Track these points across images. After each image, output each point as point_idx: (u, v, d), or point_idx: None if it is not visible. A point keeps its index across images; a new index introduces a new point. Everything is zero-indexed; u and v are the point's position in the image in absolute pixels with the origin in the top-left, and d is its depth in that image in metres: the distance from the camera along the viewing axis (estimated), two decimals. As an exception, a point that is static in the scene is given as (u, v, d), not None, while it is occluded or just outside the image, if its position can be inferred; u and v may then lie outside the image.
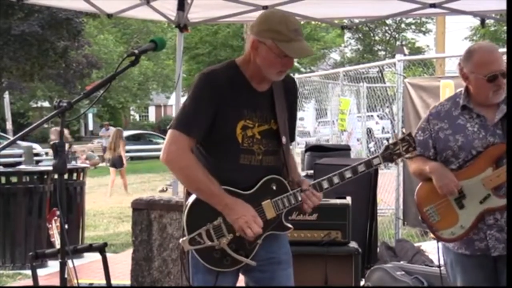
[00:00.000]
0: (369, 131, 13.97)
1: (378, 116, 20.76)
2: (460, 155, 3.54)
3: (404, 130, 3.35)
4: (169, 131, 3.08)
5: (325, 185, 3.16)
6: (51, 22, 24.45)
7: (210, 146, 3.09)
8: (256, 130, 3.10)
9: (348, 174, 3.17)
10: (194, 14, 6.75)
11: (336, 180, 3.16)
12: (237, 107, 3.07)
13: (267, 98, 3.15)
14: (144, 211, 5.27)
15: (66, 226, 2.81)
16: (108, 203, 14.61)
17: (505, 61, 3.50)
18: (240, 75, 3.11)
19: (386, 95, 12.19)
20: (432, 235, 3.76)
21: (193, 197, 3.07)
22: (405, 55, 8.99)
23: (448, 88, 6.99)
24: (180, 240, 3.06)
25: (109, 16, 6.92)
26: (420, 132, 3.72)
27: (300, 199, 3.11)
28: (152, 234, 5.22)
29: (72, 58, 28.10)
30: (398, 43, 32.91)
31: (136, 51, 2.92)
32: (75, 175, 8.35)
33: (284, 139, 3.15)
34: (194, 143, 3.08)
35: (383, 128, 21.75)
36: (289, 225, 3.16)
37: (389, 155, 3.22)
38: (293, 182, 3.18)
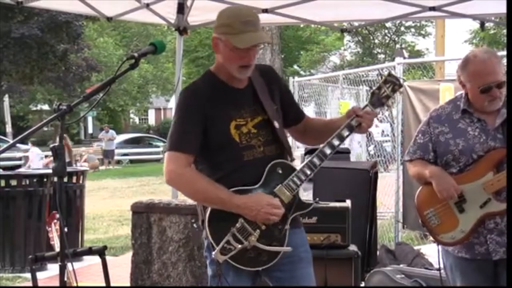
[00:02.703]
0: (369, 134, 13.93)
1: (377, 119, 20.78)
2: (460, 159, 3.53)
3: (385, 71, 3.31)
4: (166, 154, 3.11)
5: (328, 150, 3.16)
6: (50, 25, 24.48)
7: (210, 154, 3.11)
8: (250, 125, 3.13)
9: (345, 132, 3.17)
10: (194, 17, 6.75)
11: (336, 142, 3.16)
12: (224, 110, 3.10)
13: (249, 91, 3.18)
14: (143, 214, 5.26)
15: (66, 229, 2.81)
16: (107, 206, 14.60)
17: (505, 65, 3.49)
18: (217, 80, 3.16)
19: (386, 98, 12.17)
20: (431, 238, 3.75)
21: (208, 210, 3.07)
22: (404, 58, 9.02)
23: (448, 91, 6.99)
24: (213, 254, 3.04)
25: (109, 19, 6.92)
26: (420, 135, 3.72)
27: (318, 162, 3.12)
28: (152, 237, 5.22)
29: (72, 61, 28.12)
30: (397, 46, 32.89)
31: (135, 54, 2.92)
32: (74, 178, 8.35)
33: (276, 124, 3.17)
34: (193, 158, 3.09)
35: (383, 131, 21.70)
36: (309, 201, 3.18)
37: (378, 100, 3.24)
38: (343, 121, 3.20)
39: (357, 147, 11.91)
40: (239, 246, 3.01)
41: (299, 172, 3.10)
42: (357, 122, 3.16)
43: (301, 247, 3.19)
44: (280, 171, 3.11)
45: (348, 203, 4.78)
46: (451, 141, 3.57)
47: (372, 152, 13.18)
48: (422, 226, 3.69)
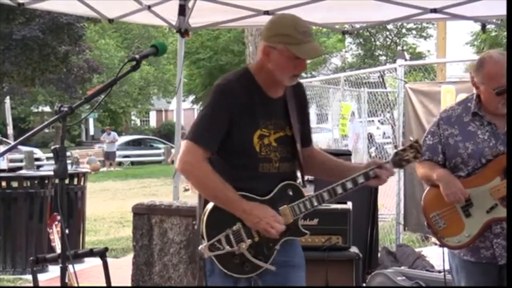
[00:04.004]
0: (370, 136, 13.97)
1: (379, 121, 20.73)
2: (469, 162, 3.51)
3: (412, 138, 3.31)
4: (185, 142, 3.09)
5: (326, 197, 3.14)
6: (52, 27, 24.49)
7: (228, 155, 3.11)
8: (272, 138, 3.12)
9: (360, 179, 3.16)
10: (195, 19, 6.76)
11: (349, 185, 3.15)
12: (253, 117, 3.09)
13: (281, 104, 3.17)
14: (144, 216, 5.27)
15: (67, 231, 2.81)
16: (109, 208, 14.61)
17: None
18: (254, 83, 3.13)
19: (387, 100, 12.18)
20: (433, 240, 3.76)
21: (211, 204, 3.09)
22: (406, 60, 8.99)
23: (449, 93, 6.98)
24: (199, 247, 3.07)
25: (110, 21, 6.92)
26: (430, 136, 3.69)
27: (327, 198, 3.12)
28: (153, 239, 5.22)
29: (73, 63, 28.15)
30: (399, 48, 32.89)
31: (137, 56, 2.92)
32: (76, 180, 8.35)
33: (299, 146, 3.18)
34: (210, 155, 3.09)
35: (384, 133, 21.71)
36: (305, 231, 3.17)
37: (399, 160, 3.22)
38: (356, 169, 3.20)
39: (361, 148, 11.91)
40: (228, 248, 3.02)
41: (307, 200, 3.11)
42: (374, 173, 3.16)
43: (296, 253, 3.22)
44: (290, 193, 3.12)
45: (349, 205, 4.77)
46: (460, 144, 3.54)
47: (373, 154, 13.18)
48: (428, 228, 3.67)
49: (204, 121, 3.09)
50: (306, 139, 3.35)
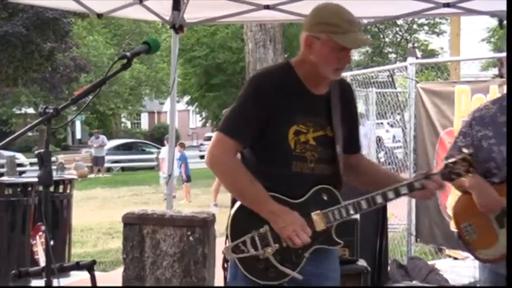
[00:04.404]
0: (379, 140, 13.97)
1: (388, 123, 20.72)
2: (503, 167, 3.43)
3: (466, 150, 3.21)
4: (215, 133, 3.14)
5: (364, 206, 3.14)
6: (36, 23, 24.49)
7: (261, 150, 3.13)
8: (310, 136, 3.13)
9: (403, 190, 3.15)
10: (190, 14, 6.76)
11: (391, 195, 3.14)
12: (290, 112, 3.10)
13: (324, 102, 3.18)
14: (136, 226, 5.26)
15: (52, 243, 2.81)
16: (97, 217, 14.60)
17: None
18: (294, 77, 3.15)
19: (397, 101, 12.19)
20: (447, 252, 3.73)
21: (238, 203, 3.12)
22: (417, 58, 9.00)
23: (464, 94, 6.99)
24: (223, 248, 3.09)
25: (99, 16, 6.92)
26: (462, 138, 3.63)
27: (365, 207, 3.12)
28: (145, 251, 5.21)
29: (59, 61, 28.16)
30: (410, 45, 32.95)
31: (128, 54, 2.92)
32: (61, 187, 8.34)
33: (339, 149, 3.18)
34: (241, 148, 3.13)
35: (394, 136, 21.72)
36: (339, 240, 3.16)
37: (448, 173, 3.19)
38: (400, 180, 3.19)
39: (373, 152, 11.90)
40: (253, 251, 3.03)
41: (343, 207, 3.11)
42: (421, 185, 3.14)
43: (331, 266, 3.23)
44: (325, 198, 3.13)
45: (356, 214, 4.76)
46: (495, 147, 3.49)
47: (382, 159, 13.18)
48: (458, 239, 3.62)
49: (236, 112, 3.12)
50: (353, 145, 3.37)
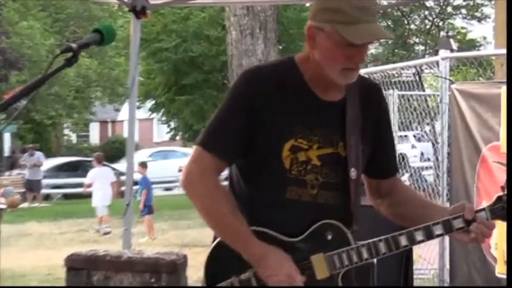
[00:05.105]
0: (402, 158, 14.00)
1: (414, 136, 20.89)
2: None
3: None
4: (194, 147, 3.17)
5: (383, 249, 3.15)
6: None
7: (249, 170, 3.17)
8: (313, 154, 3.14)
9: (438, 231, 3.15)
10: (156, -7, 6.79)
11: (419, 237, 3.15)
12: (287, 122, 3.11)
13: (336, 111, 3.19)
14: (83, 272, 5.26)
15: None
16: (32, 259, 14.55)
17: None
18: (298, 77, 3.17)
19: (426, 107, 12.25)
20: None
21: (219, 238, 3.15)
22: (452, 51, 9.06)
23: (513, 98, 7.02)
24: None
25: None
26: None
27: (384, 250, 3.13)
28: (95, 304, 5.21)
29: (-18, 55, 28.13)
30: (442, 34, 33.11)
31: (73, 45, 2.93)
32: (-15, 220, 8.33)
33: (353, 173, 3.17)
34: (224, 166, 3.15)
35: (422, 153, 21.82)
36: None
37: (501, 209, 3.17)
38: (438, 216, 3.17)
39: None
40: None
41: (353, 250, 3.12)
42: (462, 224, 3.14)
43: None
44: (330, 237, 3.13)
45: (372, 259, 4.78)
46: None
47: (406, 183, 13.21)
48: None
49: (221, 120, 3.15)
50: (384, 166, 3.39)
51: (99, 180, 19.38)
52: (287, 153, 3.10)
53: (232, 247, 3.06)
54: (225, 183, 3.30)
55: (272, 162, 3.10)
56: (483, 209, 3.16)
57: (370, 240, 3.12)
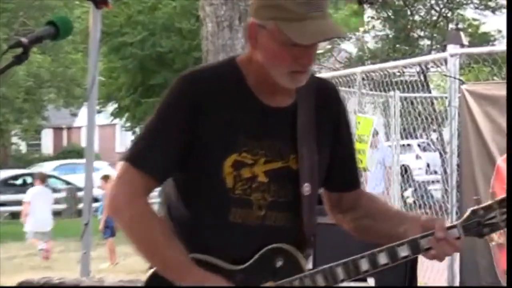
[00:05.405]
0: (405, 170, 14.06)
1: (419, 145, 20.96)
2: None
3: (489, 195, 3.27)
4: (121, 163, 3.14)
5: (341, 276, 3.13)
6: None
7: (188, 190, 3.15)
8: (259, 169, 3.13)
9: (403, 252, 3.14)
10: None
11: (382, 260, 3.14)
12: (228, 134, 3.10)
13: (285, 118, 3.18)
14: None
15: None
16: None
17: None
18: (240, 81, 3.16)
19: (432, 112, 12.30)
20: None
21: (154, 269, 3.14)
22: (462, 45, 9.10)
23: (533, 100, 7.06)
24: None
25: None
26: None
27: (343, 277, 3.11)
28: None
29: None
30: (451, 26, 33.21)
31: (23, 40, 2.94)
32: None
33: (307, 188, 3.16)
34: (155, 185, 3.14)
35: (428, 165, 21.87)
36: None
37: (476, 225, 3.17)
38: (408, 230, 3.17)
39: (397, 188, 11.96)
40: None
41: (307, 278, 3.12)
42: (429, 244, 3.14)
43: None
44: (280, 264, 3.13)
45: (370, 283, 4.80)
46: None
47: (410, 200, 13.25)
48: None
49: (151, 132, 3.14)
50: (345, 179, 3.39)
51: (37, 202, 19.31)
52: (229, 170, 3.09)
53: (167, 277, 3.06)
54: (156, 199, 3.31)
55: (213, 180, 3.09)
56: (455, 226, 3.16)
57: (326, 266, 3.11)
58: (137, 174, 3.07)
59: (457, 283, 7.80)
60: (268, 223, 3.14)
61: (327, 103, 3.28)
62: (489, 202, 3.18)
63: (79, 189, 19.67)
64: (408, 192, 13.71)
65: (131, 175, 3.08)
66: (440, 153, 12.08)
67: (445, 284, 8.14)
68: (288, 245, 3.15)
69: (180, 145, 3.09)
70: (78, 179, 31.11)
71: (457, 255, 7.75)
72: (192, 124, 3.08)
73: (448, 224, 3.18)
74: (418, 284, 6.36)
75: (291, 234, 3.17)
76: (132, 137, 42.25)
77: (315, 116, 3.21)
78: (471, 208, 3.19)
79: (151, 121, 3.15)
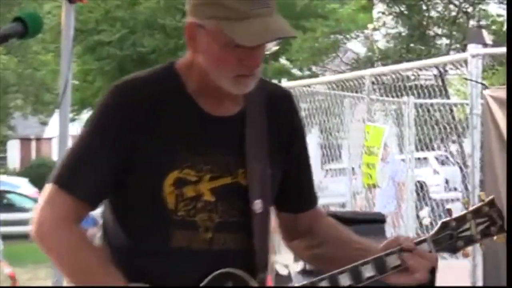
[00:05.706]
0: (421, 187, 14.07)
1: (437, 159, 20.99)
2: None
3: (482, 194, 3.30)
4: (48, 186, 3.12)
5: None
6: None
7: (125, 213, 3.16)
8: (204, 187, 3.14)
9: (368, 273, 3.17)
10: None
11: (345, 281, 3.16)
12: (167, 147, 3.11)
13: (232, 128, 3.20)
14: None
15: None
16: None
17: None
18: (179, 89, 3.17)
19: (451, 120, 12.32)
20: None
21: None
22: (485, 45, 9.10)
23: None
24: None
25: None
26: None
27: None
28: None
29: None
30: (472, 23, 33.28)
31: (-13, 39, 2.95)
32: None
33: (258, 205, 3.17)
34: (87, 211, 3.14)
35: (447, 181, 21.88)
36: None
37: (448, 239, 3.23)
38: (370, 254, 3.20)
39: (410, 207, 11.97)
40: None
41: None
42: (398, 260, 3.17)
43: None
44: None
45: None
46: None
47: (426, 221, 13.26)
48: None
49: (81, 151, 3.15)
50: (300, 197, 3.40)
51: None
52: (170, 189, 3.10)
53: None
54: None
55: (152, 201, 3.10)
56: (424, 240, 3.21)
57: None
58: (66, 198, 3.08)
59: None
60: (216, 247, 3.15)
61: (280, 111, 3.31)
62: (462, 212, 3.24)
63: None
64: (424, 212, 13.72)
65: (59, 198, 3.09)
66: (461, 168, 12.10)
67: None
68: (238, 270, 3.16)
69: (114, 164, 3.10)
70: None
71: (480, 281, 7.77)
72: (127, 140, 3.09)
73: (417, 239, 3.23)
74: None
75: (243, 257, 3.18)
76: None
77: (266, 126, 3.23)
78: (442, 220, 3.26)
79: (82, 138, 3.16)
